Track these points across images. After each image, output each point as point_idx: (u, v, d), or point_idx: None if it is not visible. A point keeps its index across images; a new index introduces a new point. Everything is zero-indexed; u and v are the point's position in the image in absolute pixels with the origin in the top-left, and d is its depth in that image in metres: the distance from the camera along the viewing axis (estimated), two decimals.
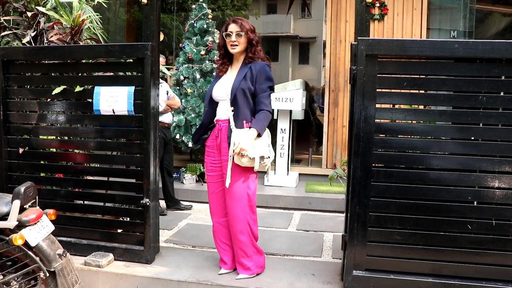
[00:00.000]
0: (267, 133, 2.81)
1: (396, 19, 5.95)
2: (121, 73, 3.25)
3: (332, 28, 6.24)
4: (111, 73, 3.22)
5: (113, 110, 3.04)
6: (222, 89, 2.81)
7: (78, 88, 3.13)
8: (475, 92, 2.50)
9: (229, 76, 2.86)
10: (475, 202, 2.55)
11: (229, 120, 2.76)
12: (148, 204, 3.04)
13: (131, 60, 3.13)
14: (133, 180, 3.14)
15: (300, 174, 6.14)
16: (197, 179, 5.82)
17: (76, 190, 3.33)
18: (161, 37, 3.94)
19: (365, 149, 2.62)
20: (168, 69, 5.34)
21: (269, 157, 2.76)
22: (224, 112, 2.81)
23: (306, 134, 8.20)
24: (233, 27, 2.80)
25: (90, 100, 3.12)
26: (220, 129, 2.84)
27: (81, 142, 3.24)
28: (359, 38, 2.58)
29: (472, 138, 2.53)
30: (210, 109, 2.92)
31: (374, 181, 2.65)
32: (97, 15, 3.89)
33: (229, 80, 2.82)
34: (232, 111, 2.75)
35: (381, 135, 2.65)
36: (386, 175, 2.65)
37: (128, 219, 3.24)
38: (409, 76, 2.58)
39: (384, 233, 2.66)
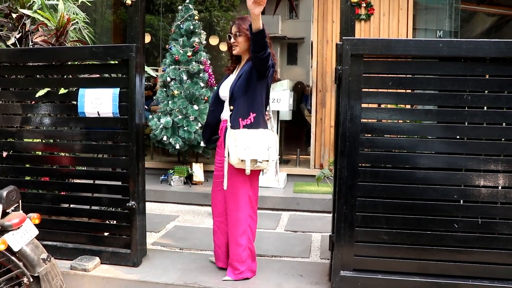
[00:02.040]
0: (267, 136, 2.73)
1: (382, 19, 5.99)
2: (106, 75, 3.21)
3: (319, 28, 6.26)
4: (96, 75, 3.19)
5: (98, 112, 3.01)
6: (226, 88, 2.83)
7: (62, 91, 3.08)
8: (460, 91, 2.51)
9: (233, 75, 2.89)
10: (461, 201, 2.57)
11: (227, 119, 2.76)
12: (134, 206, 3.01)
13: (116, 62, 3.09)
14: (119, 183, 3.11)
15: (288, 175, 6.13)
16: (185, 181, 5.79)
17: (62, 193, 3.29)
18: (147, 38, 3.90)
19: (351, 149, 2.62)
20: (156, 70, 5.31)
21: (266, 160, 2.66)
22: (226, 111, 2.80)
23: (294, 135, 8.20)
24: (233, 28, 2.82)
25: (75, 103, 3.08)
26: (221, 129, 2.86)
27: (66, 145, 3.20)
28: (344, 38, 2.59)
29: (458, 137, 2.55)
30: (215, 108, 2.90)
31: (360, 181, 2.65)
32: (82, 16, 3.84)
33: (231, 79, 2.84)
34: (231, 110, 2.72)
35: (367, 135, 2.65)
36: (372, 175, 2.66)
37: (115, 222, 3.20)
38: (394, 75, 2.58)
39: (371, 233, 2.66)
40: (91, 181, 3.24)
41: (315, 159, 6.32)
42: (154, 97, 6.42)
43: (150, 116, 5.83)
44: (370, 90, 2.63)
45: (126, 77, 2.98)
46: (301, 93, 8.58)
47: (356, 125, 2.60)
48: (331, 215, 2.99)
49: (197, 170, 5.87)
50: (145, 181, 3.19)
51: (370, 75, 2.60)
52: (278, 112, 5.75)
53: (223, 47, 9.79)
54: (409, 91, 2.72)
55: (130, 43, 3.01)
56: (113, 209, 3.16)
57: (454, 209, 2.57)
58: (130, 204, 3.01)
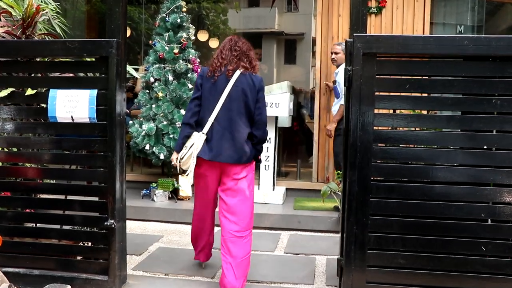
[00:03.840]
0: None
1: (395, 13, 6.01)
2: (81, 74, 3.19)
3: (323, 23, 6.27)
4: (70, 74, 3.16)
5: (72, 117, 2.98)
6: None
7: (29, 91, 3.05)
8: (487, 95, 2.52)
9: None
10: (489, 220, 2.56)
11: None
12: (113, 226, 2.98)
13: (94, 59, 3.06)
14: (96, 198, 3.07)
15: (287, 189, 6.11)
16: (170, 195, 5.75)
17: (27, 211, 3.24)
18: (128, 32, 3.89)
19: (363, 160, 2.62)
20: (136, 69, 5.29)
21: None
22: None
23: (294, 144, 8.19)
24: None
25: (44, 106, 3.05)
26: None
27: (34, 155, 3.16)
28: (355, 34, 2.58)
29: (485, 147, 2.55)
30: None
31: (373, 197, 2.64)
32: (54, 6, 3.82)
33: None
34: None
35: (380, 145, 2.65)
36: (386, 190, 2.65)
37: (90, 244, 3.16)
38: (412, 77, 2.58)
39: (385, 256, 2.64)
40: (62, 197, 3.19)
41: (318, 171, 6.30)
42: (135, 100, 6.38)
43: (131, 122, 5.79)
44: (384, 93, 2.63)
45: (105, 76, 2.96)
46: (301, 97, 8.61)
47: (368, 134, 2.60)
48: (338, 235, 2.98)
49: (184, 184, 5.82)
50: (125, 197, 3.16)
51: (384, 76, 2.60)
52: (276, 118, 5.73)
53: (214, 43, 9.81)
54: (429, 95, 2.71)
55: (109, 37, 2.98)
56: (88, 229, 3.12)
57: (481, 230, 2.56)
58: (108, 223, 2.97)
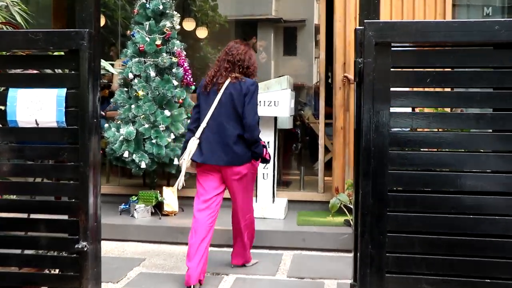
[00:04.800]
0: None
1: None
2: (48, 71, 3.16)
3: (328, 7, 6.20)
4: (34, 71, 3.12)
5: (36, 121, 2.94)
6: None
7: None
8: None
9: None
10: None
11: None
12: (85, 248, 2.92)
13: (62, 53, 3.04)
14: (65, 217, 3.02)
15: (289, 201, 6.09)
16: (153, 211, 5.72)
17: None
18: (102, 21, 3.87)
19: (378, 167, 2.58)
20: (112, 65, 5.27)
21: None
22: None
23: (297, 148, 8.17)
24: None
25: (2, 108, 3.00)
26: None
27: None
28: (366, 21, 2.55)
29: None
30: None
31: (390, 211, 2.60)
32: None
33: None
34: None
35: (398, 149, 2.61)
36: (406, 202, 2.61)
37: (58, 271, 3.12)
38: (433, 69, 2.55)
39: (406, 280, 2.60)
40: (24, 215, 3.16)
41: (325, 179, 6.28)
42: (111, 100, 6.36)
43: (106, 125, 5.78)
44: (401, 89, 2.60)
45: (75, 73, 2.91)
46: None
47: (383, 136, 2.56)
48: (349, 254, 2.95)
49: (169, 197, 5.80)
50: (100, 214, 3.11)
51: (401, 69, 2.57)
52: (275, 118, 5.72)
53: (202, 32, 9.81)
54: (453, 89, 2.69)
55: (80, 27, 2.94)
56: (56, 254, 3.08)
57: None
58: (80, 246, 2.91)
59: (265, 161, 4.30)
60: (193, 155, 4.00)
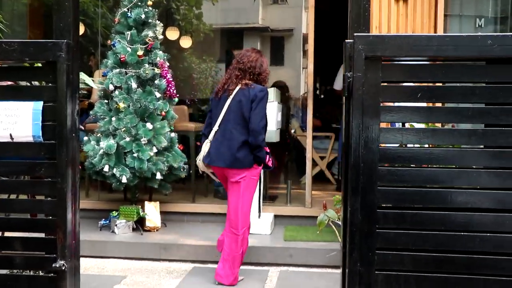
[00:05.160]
0: None
1: (399, 3, 6.01)
2: (23, 83, 3.13)
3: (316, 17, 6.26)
4: (9, 82, 3.09)
5: (10, 135, 2.90)
6: None
7: None
8: None
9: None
10: None
11: None
12: (63, 267, 2.87)
13: (39, 65, 3.01)
14: (42, 235, 3.00)
15: (276, 216, 6.08)
16: (135, 226, 5.68)
17: None
18: (81, 30, 3.85)
19: (367, 184, 2.58)
20: (91, 76, 5.23)
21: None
22: None
23: (283, 161, 8.18)
24: None
25: None
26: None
27: None
28: (356, 34, 2.56)
29: None
30: None
31: (380, 228, 2.60)
32: None
33: None
34: None
35: (387, 165, 2.62)
36: (396, 219, 2.61)
37: None
38: (424, 84, 2.57)
39: None
40: None
41: (312, 194, 6.28)
42: (90, 112, 6.32)
43: (86, 138, 5.74)
44: (392, 104, 2.61)
45: (53, 86, 2.88)
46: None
47: (373, 152, 2.57)
48: (337, 271, 2.95)
49: (151, 212, 5.77)
50: (79, 231, 3.08)
51: (392, 84, 2.58)
52: None
53: (186, 42, 9.80)
54: (444, 105, 2.71)
55: (58, 38, 2.92)
56: (32, 273, 3.04)
57: None
58: (57, 265, 2.86)
59: (267, 167, 4.61)
60: (204, 156, 4.52)
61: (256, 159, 4.41)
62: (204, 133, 4.64)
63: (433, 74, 2.56)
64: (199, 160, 4.57)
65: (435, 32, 5.86)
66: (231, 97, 4.42)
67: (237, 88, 4.42)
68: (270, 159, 4.57)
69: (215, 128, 4.47)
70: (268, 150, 4.58)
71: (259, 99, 4.37)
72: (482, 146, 2.62)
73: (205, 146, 4.51)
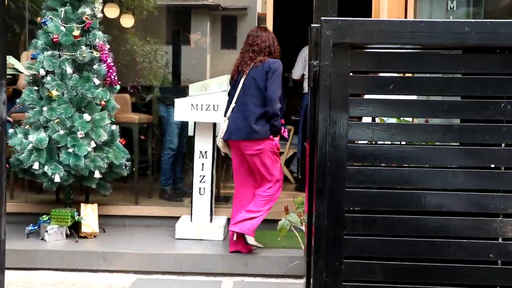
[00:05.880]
0: None
1: None
2: None
3: None
4: None
5: None
6: None
7: None
8: (495, 98, 2.56)
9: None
10: (500, 262, 2.61)
11: None
12: None
13: None
14: None
15: (229, 220, 6.09)
16: (68, 232, 5.61)
17: None
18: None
19: (334, 185, 2.61)
20: (18, 59, 5.13)
21: None
22: None
23: None
24: None
25: None
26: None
27: None
28: (323, 18, 2.58)
29: (492, 165, 2.60)
30: None
31: (348, 234, 2.63)
32: None
33: None
34: None
35: (356, 164, 2.65)
36: (365, 224, 2.65)
37: None
38: (397, 75, 2.61)
39: None
40: None
41: None
42: (17, 100, 6.20)
43: (11, 130, 5.62)
44: (361, 97, 2.64)
45: None
46: None
47: (340, 150, 2.59)
48: (299, 281, 2.98)
49: (88, 215, 5.72)
50: (4, 238, 3.03)
51: (362, 74, 2.62)
52: (214, 125, 5.74)
53: (127, 21, 9.67)
54: (419, 97, 2.74)
55: None
56: None
57: (491, 274, 2.59)
58: None
59: (282, 138, 5.41)
60: (223, 134, 5.22)
61: (273, 128, 5.07)
62: (224, 115, 5.32)
63: (406, 63, 2.61)
64: (219, 138, 5.28)
65: (405, 16, 5.97)
66: (246, 75, 5.16)
67: (251, 65, 5.16)
68: (285, 130, 5.29)
69: (232, 105, 5.22)
70: (283, 122, 5.23)
71: (273, 69, 5.09)
72: (458, 144, 2.68)
73: (224, 124, 5.21)
